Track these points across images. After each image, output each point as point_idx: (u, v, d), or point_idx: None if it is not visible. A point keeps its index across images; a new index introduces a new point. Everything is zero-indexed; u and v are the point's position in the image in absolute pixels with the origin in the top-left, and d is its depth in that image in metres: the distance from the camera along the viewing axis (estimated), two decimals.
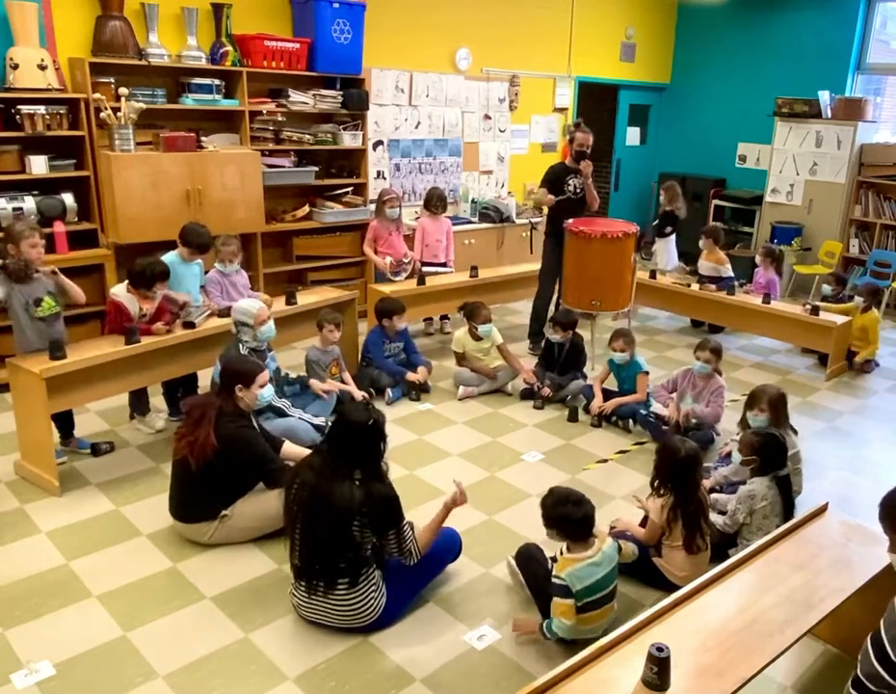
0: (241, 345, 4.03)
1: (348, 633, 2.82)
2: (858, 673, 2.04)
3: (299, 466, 2.90)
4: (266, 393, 3.45)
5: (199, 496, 3.27)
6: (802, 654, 2.81)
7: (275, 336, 4.19)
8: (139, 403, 4.45)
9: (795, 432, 3.91)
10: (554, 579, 2.67)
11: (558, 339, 5.06)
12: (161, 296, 4.22)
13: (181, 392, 4.77)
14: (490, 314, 5.16)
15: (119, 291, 4.10)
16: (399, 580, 2.89)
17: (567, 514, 2.67)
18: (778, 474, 3.26)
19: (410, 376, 5.02)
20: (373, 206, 6.39)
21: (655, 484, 3.11)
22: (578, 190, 5.74)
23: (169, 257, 4.43)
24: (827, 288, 6.35)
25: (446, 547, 3.11)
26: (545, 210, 5.99)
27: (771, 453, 3.28)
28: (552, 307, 6.03)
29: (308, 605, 2.83)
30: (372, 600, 2.78)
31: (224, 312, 4.40)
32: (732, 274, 6.42)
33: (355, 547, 2.72)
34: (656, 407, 4.67)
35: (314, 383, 4.41)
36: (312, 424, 4.10)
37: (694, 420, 4.38)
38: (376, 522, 2.73)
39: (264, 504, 3.31)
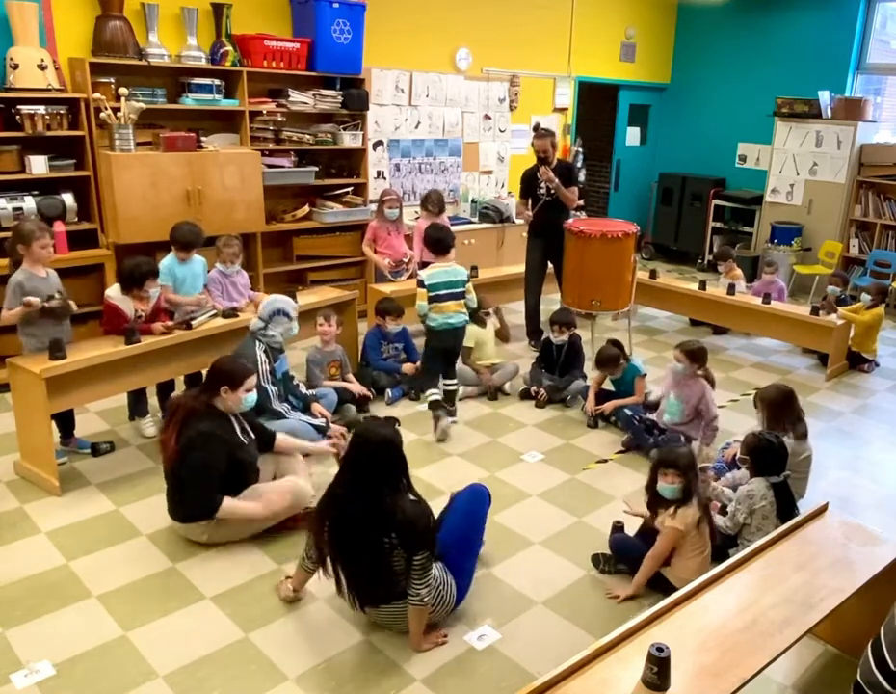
0: (259, 342, 4.02)
1: (350, 633, 2.82)
2: (859, 678, 2.03)
3: (321, 505, 2.77)
4: (250, 398, 3.37)
5: (188, 496, 3.24)
6: (802, 654, 2.81)
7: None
8: (137, 404, 4.44)
9: (804, 435, 3.72)
10: (417, 279, 4.51)
11: (560, 340, 5.06)
12: (156, 294, 4.20)
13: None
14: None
15: (114, 293, 4.05)
16: (457, 556, 2.87)
17: (429, 235, 4.64)
18: (771, 480, 3.21)
19: (405, 367, 5.04)
20: (373, 206, 6.39)
21: (688, 494, 3.03)
22: (551, 190, 5.77)
23: (166, 261, 4.43)
24: (836, 290, 6.22)
25: (477, 498, 3.08)
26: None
27: (761, 457, 3.24)
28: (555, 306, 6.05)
29: (385, 617, 2.80)
30: (444, 595, 2.79)
31: (228, 313, 4.40)
32: (744, 289, 6.52)
33: (392, 578, 2.68)
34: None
35: (315, 406, 4.30)
36: (313, 425, 4.10)
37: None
38: (406, 542, 2.63)
39: (260, 500, 3.29)
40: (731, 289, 6.15)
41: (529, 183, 5.92)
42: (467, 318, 4.64)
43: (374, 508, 2.61)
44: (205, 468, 3.17)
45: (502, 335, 5.12)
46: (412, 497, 2.70)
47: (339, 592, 2.78)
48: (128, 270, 4.01)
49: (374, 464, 2.66)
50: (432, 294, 4.43)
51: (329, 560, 2.75)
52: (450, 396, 4.65)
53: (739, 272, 6.78)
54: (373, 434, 2.72)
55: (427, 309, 4.44)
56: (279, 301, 4.14)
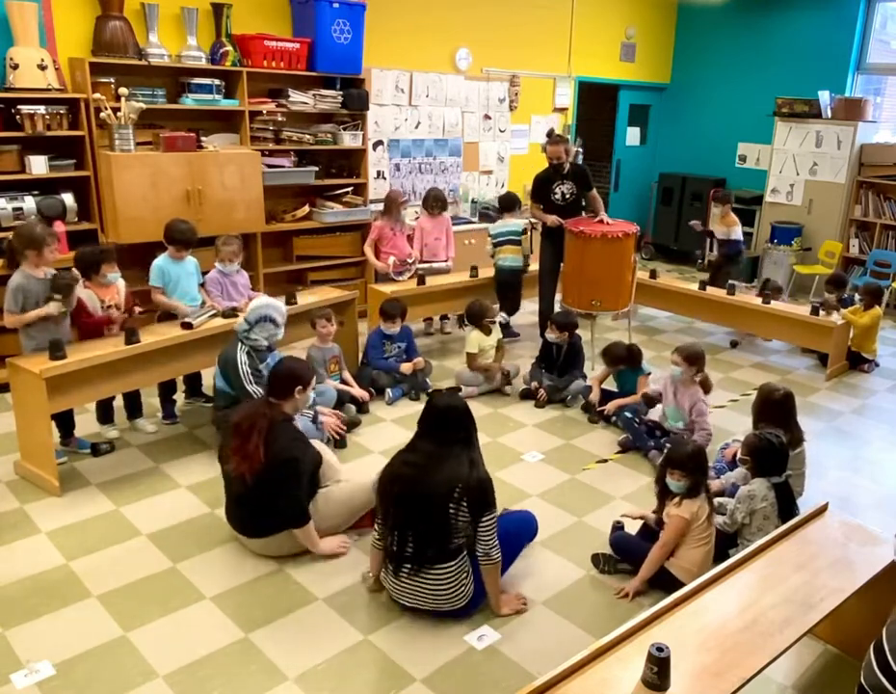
0: (241, 344, 3.90)
1: (350, 633, 2.82)
2: (862, 681, 2.00)
3: (390, 465, 2.94)
4: (313, 394, 3.53)
5: (286, 505, 3.16)
6: (802, 654, 2.81)
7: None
8: (104, 413, 4.37)
9: (800, 432, 3.74)
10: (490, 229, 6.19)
11: (558, 340, 5.05)
12: (115, 280, 4.14)
13: (186, 393, 4.76)
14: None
15: (77, 288, 3.99)
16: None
17: (500, 197, 6.44)
18: (772, 480, 3.20)
19: (404, 366, 5.03)
20: (373, 206, 6.40)
21: (695, 489, 3.06)
22: (567, 196, 5.76)
23: (159, 262, 4.42)
24: (830, 295, 6.18)
25: (524, 528, 3.21)
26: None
27: (763, 458, 3.24)
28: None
29: (401, 588, 2.88)
30: (462, 587, 2.84)
31: (228, 313, 4.39)
32: (741, 237, 6.51)
33: (450, 533, 2.76)
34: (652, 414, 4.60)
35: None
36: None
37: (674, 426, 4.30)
38: (472, 503, 2.77)
39: (345, 496, 3.34)
40: (731, 289, 6.15)
41: (543, 186, 5.82)
42: (520, 264, 6.04)
43: (446, 465, 2.79)
44: (303, 474, 3.20)
45: (497, 357, 5.27)
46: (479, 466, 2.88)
47: (383, 543, 2.89)
48: (82, 255, 4.03)
49: (450, 427, 2.87)
50: (495, 241, 6.08)
51: (389, 517, 2.87)
52: (503, 327, 5.75)
53: (735, 218, 6.84)
54: (448, 400, 2.96)
55: (493, 252, 6.11)
56: (268, 307, 3.96)
